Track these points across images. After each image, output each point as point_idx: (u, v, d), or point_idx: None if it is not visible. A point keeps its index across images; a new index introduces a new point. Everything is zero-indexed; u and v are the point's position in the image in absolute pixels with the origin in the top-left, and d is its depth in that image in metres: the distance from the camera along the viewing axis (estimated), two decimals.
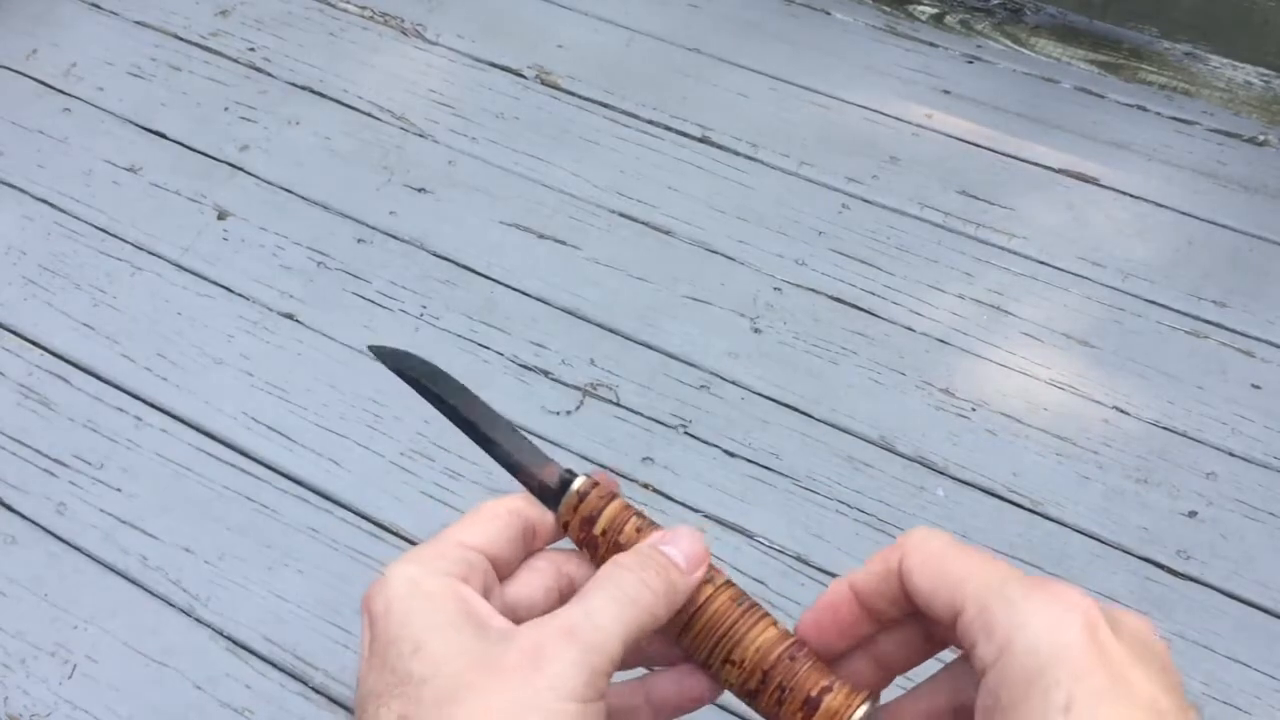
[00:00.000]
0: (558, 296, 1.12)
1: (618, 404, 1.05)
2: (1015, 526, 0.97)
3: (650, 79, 1.32)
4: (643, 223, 1.18)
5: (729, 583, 0.33)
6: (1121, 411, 1.04)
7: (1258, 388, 1.06)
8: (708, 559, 0.33)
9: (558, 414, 1.04)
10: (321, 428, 1.03)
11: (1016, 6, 1.41)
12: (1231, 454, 1.01)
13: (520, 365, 1.07)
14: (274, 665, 0.90)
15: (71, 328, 1.10)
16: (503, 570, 0.33)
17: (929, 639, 0.32)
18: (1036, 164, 1.24)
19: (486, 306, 1.12)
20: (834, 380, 1.06)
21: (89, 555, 0.95)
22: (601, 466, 1.01)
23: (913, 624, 0.32)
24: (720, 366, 1.07)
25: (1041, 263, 1.15)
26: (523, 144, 1.25)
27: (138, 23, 1.39)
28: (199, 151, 1.25)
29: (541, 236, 1.17)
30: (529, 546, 0.34)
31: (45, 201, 1.21)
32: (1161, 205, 1.20)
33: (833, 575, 0.94)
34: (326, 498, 0.99)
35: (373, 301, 1.12)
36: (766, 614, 0.33)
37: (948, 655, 0.32)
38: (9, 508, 0.98)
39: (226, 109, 1.29)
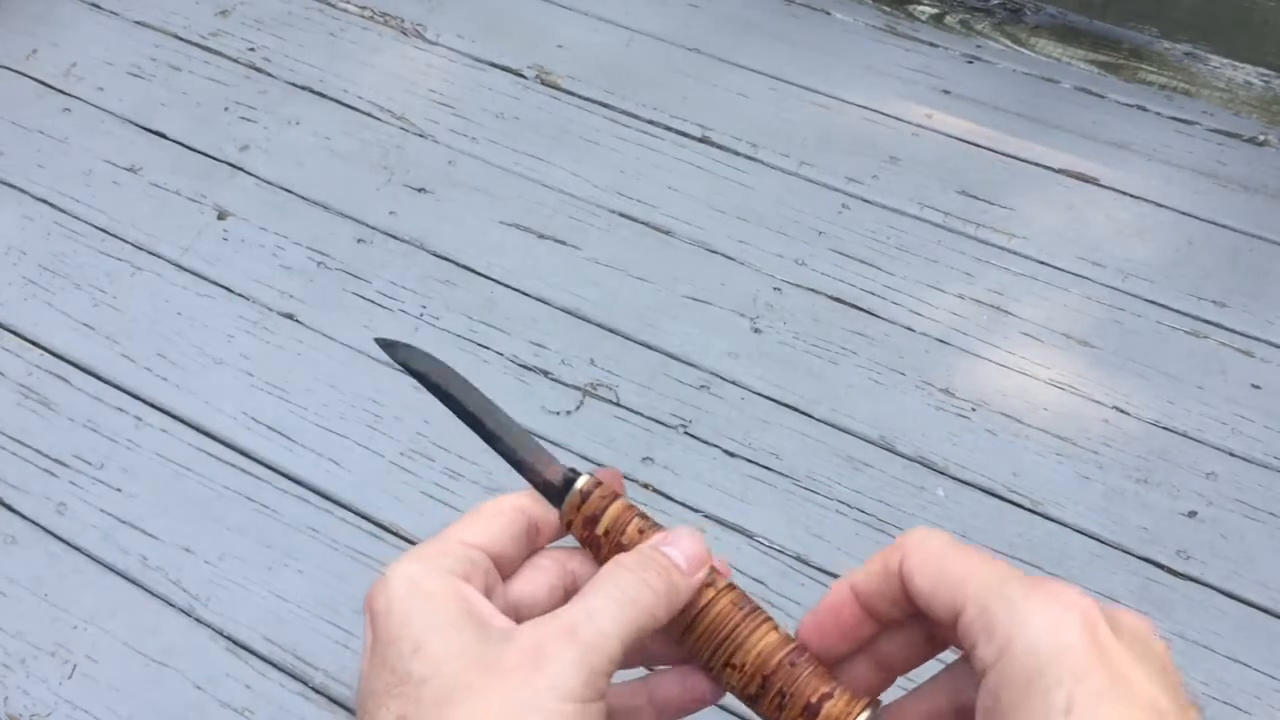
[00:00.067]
0: (558, 296, 1.12)
1: (618, 404, 1.05)
2: (1015, 526, 0.97)
3: (650, 79, 1.32)
4: (643, 223, 1.18)
5: (731, 586, 0.33)
6: (1121, 411, 1.04)
7: (1258, 388, 1.06)
8: (709, 561, 0.33)
9: (558, 414, 1.04)
10: (321, 428, 1.03)
11: (1016, 6, 1.41)
12: (1231, 454, 1.01)
13: (520, 365, 1.07)
14: (274, 665, 0.90)
15: (71, 328, 1.10)
16: (505, 568, 0.33)
17: (930, 640, 0.32)
18: (1036, 164, 1.24)
19: (486, 306, 1.12)
20: (834, 380, 1.06)
21: (89, 555, 0.95)
22: (601, 467, 1.01)
23: (914, 625, 0.32)
24: (720, 366, 1.07)
25: (1041, 263, 1.15)
26: (523, 144, 1.25)
27: (138, 23, 1.39)
28: (199, 151, 1.25)
29: (541, 236, 1.17)
30: (532, 544, 0.34)
31: (45, 201, 1.21)
32: (1161, 205, 1.20)
33: (833, 575, 0.94)
34: (326, 498, 0.99)
35: (373, 301, 1.12)
36: (768, 618, 0.32)
37: (948, 656, 0.32)
38: (9, 508, 0.98)
39: (226, 109, 1.29)
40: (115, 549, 0.96)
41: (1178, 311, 1.11)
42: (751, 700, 0.32)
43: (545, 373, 1.07)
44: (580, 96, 1.30)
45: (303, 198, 1.21)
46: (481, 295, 1.13)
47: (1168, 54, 1.35)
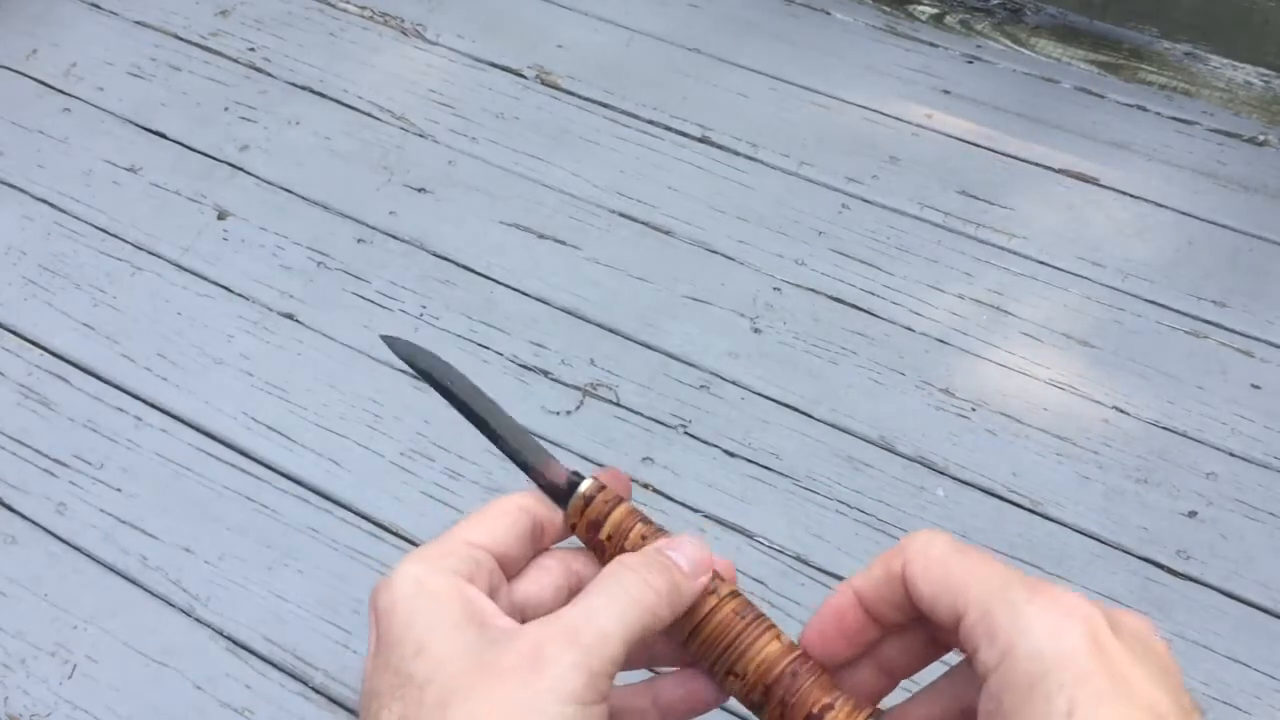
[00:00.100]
0: (558, 296, 1.12)
1: (618, 404, 1.05)
2: (1015, 526, 0.97)
3: (650, 79, 1.32)
4: (643, 223, 1.18)
5: (734, 594, 0.33)
6: (1121, 411, 1.04)
7: (1258, 388, 1.06)
8: (711, 566, 0.33)
9: (558, 414, 1.04)
10: (321, 428, 1.03)
11: (1016, 6, 1.41)
12: (1231, 454, 1.01)
13: (520, 365, 1.07)
14: (274, 665, 0.90)
15: (71, 328, 1.10)
16: (510, 569, 0.33)
17: (934, 643, 0.32)
18: (1036, 164, 1.24)
19: (486, 306, 1.12)
20: (834, 380, 1.06)
21: (89, 555, 0.95)
22: (601, 467, 1.01)
23: (917, 628, 0.32)
24: (720, 366, 1.07)
25: (1041, 263, 1.15)
26: (523, 144, 1.25)
27: (138, 23, 1.39)
28: (199, 151, 1.25)
29: (541, 236, 1.17)
30: (538, 544, 0.34)
31: (45, 201, 1.21)
32: (1161, 205, 1.20)
33: (833, 575, 0.94)
34: (326, 498, 0.99)
35: (373, 301, 1.12)
36: (771, 626, 0.32)
37: (953, 657, 0.32)
38: (9, 508, 0.98)
39: (226, 109, 1.29)
40: (115, 549, 0.96)
41: (1178, 311, 1.11)
42: (755, 708, 0.32)
43: (545, 373, 1.07)
44: (580, 96, 1.30)
45: (303, 198, 1.21)
46: (481, 295, 1.13)
47: (1168, 54, 1.35)
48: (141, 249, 1.17)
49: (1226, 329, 1.10)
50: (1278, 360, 1.08)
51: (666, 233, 1.17)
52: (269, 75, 1.33)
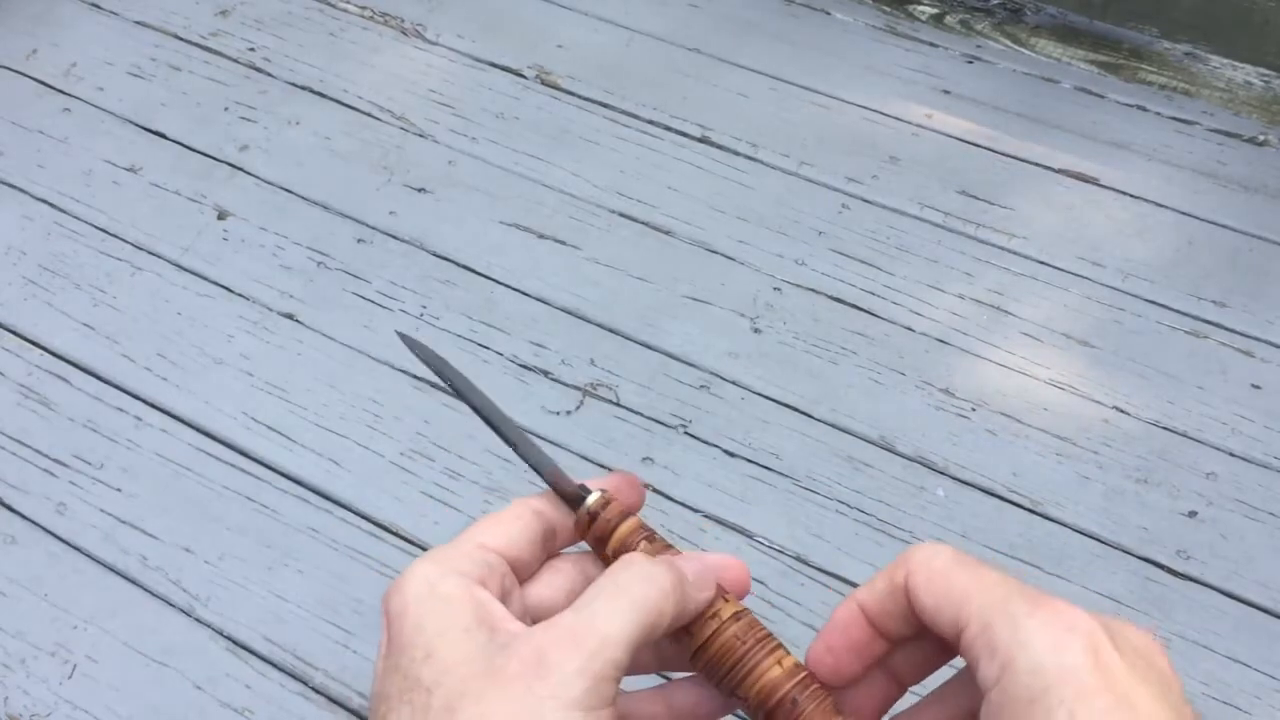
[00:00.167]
0: (558, 296, 1.12)
1: (618, 404, 1.05)
2: (1015, 526, 0.97)
3: (650, 79, 1.32)
4: (643, 223, 1.18)
5: (738, 615, 0.32)
6: (1121, 411, 1.04)
7: (1258, 388, 1.06)
8: (715, 583, 0.33)
9: (558, 414, 1.04)
10: (321, 428, 1.03)
11: (1016, 6, 1.41)
12: (1231, 454, 1.01)
13: (520, 365, 1.07)
14: (274, 665, 0.90)
15: (71, 328, 1.10)
16: (523, 572, 0.33)
17: (943, 649, 0.32)
18: (1036, 164, 1.24)
19: (486, 306, 1.12)
20: (834, 380, 1.06)
21: (89, 555, 0.95)
22: (602, 467, 1.01)
23: (925, 639, 0.32)
24: (720, 366, 1.07)
25: (1041, 263, 1.15)
26: (523, 144, 1.25)
27: (138, 23, 1.39)
28: (199, 151, 1.25)
29: (541, 236, 1.17)
30: (550, 548, 0.34)
31: (45, 201, 1.21)
32: (1161, 205, 1.20)
33: (832, 575, 0.94)
34: (326, 498, 0.99)
35: (373, 301, 1.12)
36: (778, 647, 0.32)
37: (960, 662, 0.32)
38: (9, 508, 0.98)
39: (226, 109, 1.29)
40: (115, 549, 0.96)
41: (1178, 311, 1.11)
42: None
43: (545, 373, 1.07)
44: (580, 96, 1.30)
45: (303, 198, 1.21)
46: (481, 295, 1.13)
47: (1168, 54, 1.35)
48: (141, 249, 1.17)
49: (1226, 329, 1.10)
50: (1278, 360, 1.08)
51: (666, 233, 1.17)
52: (269, 75, 1.33)
